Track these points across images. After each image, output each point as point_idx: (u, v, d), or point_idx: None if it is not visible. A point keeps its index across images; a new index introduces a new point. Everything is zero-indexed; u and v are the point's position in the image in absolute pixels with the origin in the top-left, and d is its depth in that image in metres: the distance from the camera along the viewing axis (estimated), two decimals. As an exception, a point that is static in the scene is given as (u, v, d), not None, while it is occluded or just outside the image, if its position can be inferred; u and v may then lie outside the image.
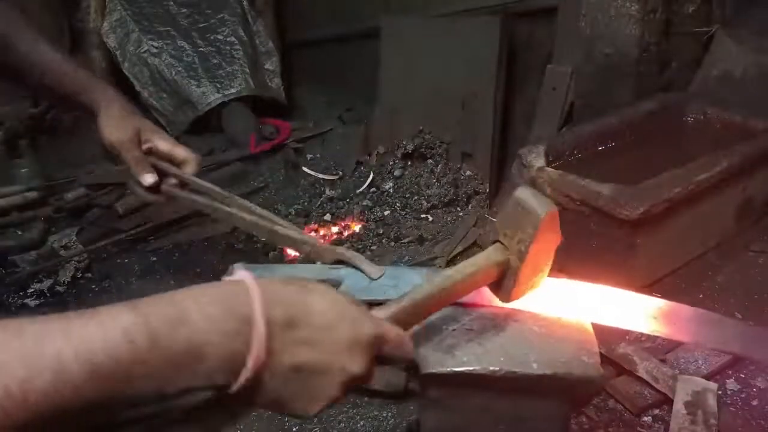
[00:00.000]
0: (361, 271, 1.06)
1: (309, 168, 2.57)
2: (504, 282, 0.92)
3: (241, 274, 0.57)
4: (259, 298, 0.53)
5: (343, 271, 1.08)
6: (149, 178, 1.15)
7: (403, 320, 0.77)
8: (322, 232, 2.15)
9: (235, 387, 0.53)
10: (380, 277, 1.05)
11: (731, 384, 1.36)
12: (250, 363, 0.52)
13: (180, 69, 2.83)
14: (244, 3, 3.04)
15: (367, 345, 0.61)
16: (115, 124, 1.17)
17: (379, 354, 0.65)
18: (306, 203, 2.31)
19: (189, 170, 1.20)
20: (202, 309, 0.51)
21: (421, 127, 2.39)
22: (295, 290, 0.59)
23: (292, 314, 0.56)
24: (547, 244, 0.92)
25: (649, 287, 1.68)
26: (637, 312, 0.99)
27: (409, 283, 1.04)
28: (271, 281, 0.58)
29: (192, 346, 0.50)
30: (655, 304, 0.99)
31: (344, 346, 0.58)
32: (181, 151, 1.19)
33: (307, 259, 1.10)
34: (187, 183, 1.20)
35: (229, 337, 0.51)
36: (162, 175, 1.19)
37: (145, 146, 1.18)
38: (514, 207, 0.91)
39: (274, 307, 0.54)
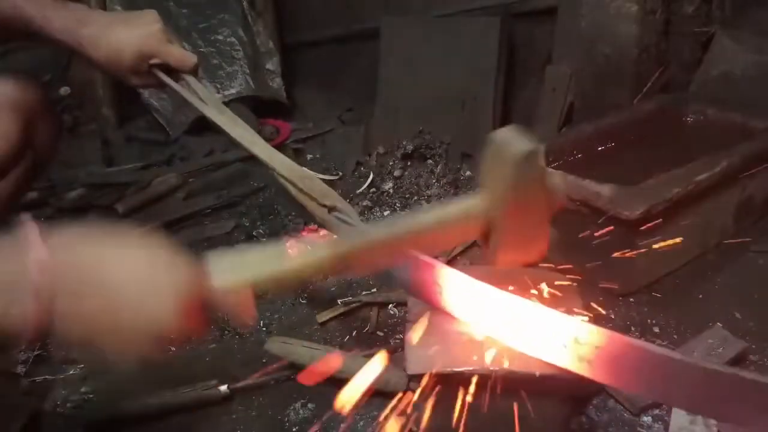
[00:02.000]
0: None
1: (309, 168, 2.57)
2: (490, 242, 0.82)
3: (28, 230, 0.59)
4: (34, 261, 0.57)
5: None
6: (193, 58, 1.32)
7: (347, 261, 0.74)
8: (321, 233, 2.15)
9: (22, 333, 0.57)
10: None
11: (731, 384, 1.36)
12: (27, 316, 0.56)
13: (180, 69, 2.83)
14: (244, 4, 3.04)
15: (172, 298, 0.61)
16: (130, 41, 1.23)
17: (206, 311, 0.65)
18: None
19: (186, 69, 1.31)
20: None
21: (421, 128, 2.39)
22: (91, 240, 0.61)
23: (81, 264, 0.59)
24: (534, 196, 0.78)
25: (649, 287, 1.68)
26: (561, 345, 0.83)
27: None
28: (67, 234, 0.61)
29: None
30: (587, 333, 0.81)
31: (144, 299, 0.60)
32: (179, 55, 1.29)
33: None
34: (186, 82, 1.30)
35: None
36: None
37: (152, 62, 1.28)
38: (492, 149, 0.78)
39: (58, 259, 0.57)
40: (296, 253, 0.72)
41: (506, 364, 0.93)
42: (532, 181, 0.77)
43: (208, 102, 1.26)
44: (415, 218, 0.77)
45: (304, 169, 1.14)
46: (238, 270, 0.69)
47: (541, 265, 0.97)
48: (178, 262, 0.64)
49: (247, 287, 0.69)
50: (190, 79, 1.31)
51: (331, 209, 1.05)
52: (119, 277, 0.60)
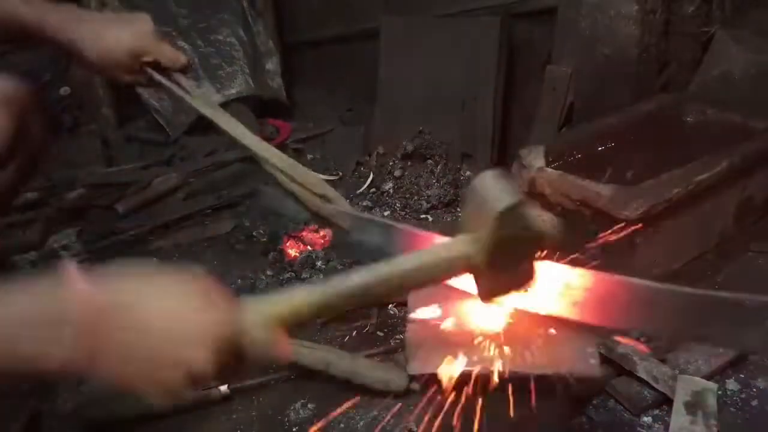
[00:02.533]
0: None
1: (309, 168, 2.57)
2: (476, 281, 0.82)
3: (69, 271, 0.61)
4: (76, 298, 0.59)
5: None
6: (183, 58, 1.30)
7: (320, 310, 0.74)
8: (321, 233, 2.15)
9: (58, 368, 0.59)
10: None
11: (731, 384, 1.36)
12: (65, 355, 0.58)
13: (180, 69, 2.83)
14: (244, 3, 3.04)
15: (211, 341, 0.62)
16: (105, 53, 1.20)
17: (242, 353, 0.65)
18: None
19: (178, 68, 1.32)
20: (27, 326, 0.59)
21: (421, 128, 2.39)
22: (131, 279, 0.63)
23: (121, 302, 0.60)
24: (519, 244, 0.77)
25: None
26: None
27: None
28: (107, 273, 0.63)
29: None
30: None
31: (180, 340, 0.60)
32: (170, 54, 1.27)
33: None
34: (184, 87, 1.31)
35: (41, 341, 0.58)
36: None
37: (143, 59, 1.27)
38: (473, 197, 0.77)
39: (99, 296, 0.59)
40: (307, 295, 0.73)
41: (506, 365, 0.93)
42: (515, 231, 0.74)
43: (197, 97, 1.32)
44: (399, 264, 0.77)
45: (294, 161, 1.17)
46: (269, 310, 0.70)
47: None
48: (215, 302, 0.65)
49: (279, 326, 0.69)
50: (180, 77, 1.35)
51: (324, 199, 1.06)
52: (157, 316, 0.61)
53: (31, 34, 1.17)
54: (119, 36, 1.21)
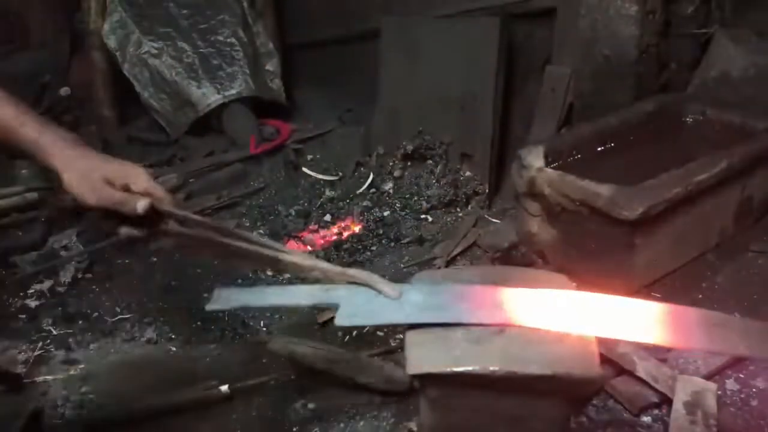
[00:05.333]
0: (378, 291, 1.04)
1: (309, 169, 2.57)
2: None
3: None
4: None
5: (341, 292, 1.05)
6: (142, 204, 0.99)
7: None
8: (322, 233, 2.15)
9: None
10: (398, 297, 1.03)
11: (731, 384, 1.36)
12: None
13: (180, 70, 2.83)
14: (245, 4, 3.04)
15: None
16: (87, 185, 1.01)
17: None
18: (306, 204, 2.32)
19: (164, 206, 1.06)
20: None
21: (420, 128, 2.39)
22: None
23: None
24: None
25: (649, 287, 1.68)
26: (639, 321, 0.97)
27: (441, 307, 1.01)
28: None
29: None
30: (656, 310, 0.98)
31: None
32: (157, 190, 1.04)
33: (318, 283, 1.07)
34: (180, 218, 1.08)
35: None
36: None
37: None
38: None
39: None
40: None
41: (506, 365, 0.93)
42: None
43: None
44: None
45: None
46: None
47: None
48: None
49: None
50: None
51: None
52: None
53: (25, 155, 1.06)
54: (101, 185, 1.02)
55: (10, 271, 1.94)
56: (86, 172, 1.00)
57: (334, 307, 1.04)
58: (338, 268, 1.08)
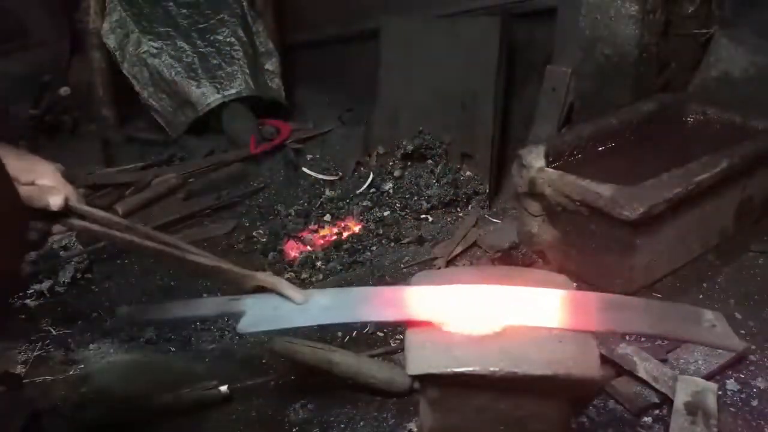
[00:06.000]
0: (285, 296, 1.03)
1: (309, 168, 2.57)
2: None
3: None
4: None
5: (248, 301, 1.04)
6: (56, 200, 0.95)
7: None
8: (321, 233, 2.15)
9: None
10: (305, 302, 1.02)
11: (731, 384, 1.36)
12: None
13: (180, 69, 2.83)
14: (244, 3, 3.04)
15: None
16: None
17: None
18: (306, 204, 2.31)
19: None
20: None
21: (420, 128, 2.39)
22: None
23: None
24: None
25: (649, 287, 1.68)
26: (543, 308, 1.00)
27: (346, 308, 1.03)
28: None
29: None
30: (559, 296, 1.02)
31: None
32: (65, 186, 1.00)
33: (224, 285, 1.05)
34: (84, 214, 1.04)
35: None
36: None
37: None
38: None
39: None
40: None
41: (506, 365, 0.93)
42: None
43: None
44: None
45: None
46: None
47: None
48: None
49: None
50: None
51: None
52: None
53: None
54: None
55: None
56: None
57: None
58: (245, 271, 1.05)
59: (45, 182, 0.97)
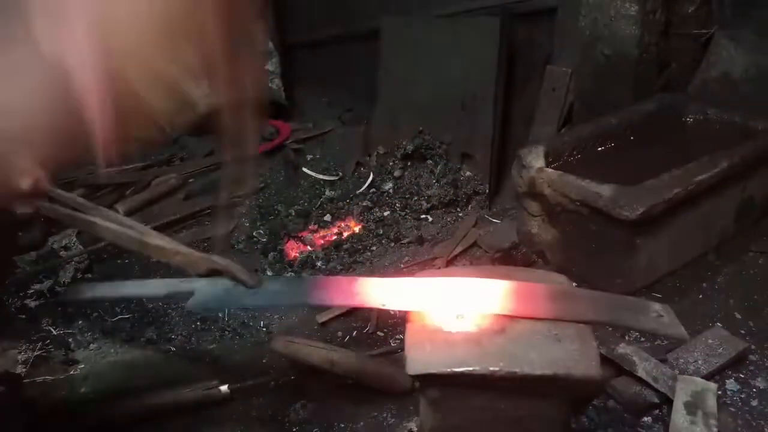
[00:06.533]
0: (237, 280, 1.03)
1: (309, 168, 2.57)
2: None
3: None
4: None
5: (199, 283, 1.05)
6: (26, 181, 0.96)
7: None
8: (321, 233, 2.15)
9: None
10: (257, 285, 1.03)
11: (731, 384, 1.36)
12: None
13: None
14: (244, 4, 3.04)
15: None
16: None
17: None
18: (306, 204, 2.32)
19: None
20: None
21: (421, 128, 2.39)
22: None
23: None
24: None
25: (649, 287, 1.68)
26: (489, 297, 1.02)
27: (297, 293, 1.04)
28: None
29: None
30: (504, 286, 1.04)
31: None
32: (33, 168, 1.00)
33: (180, 268, 1.06)
34: (53, 197, 1.07)
35: None
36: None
37: None
38: None
39: None
40: None
41: (506, 365, 0.93)
42: None
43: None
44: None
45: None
46: None
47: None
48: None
49: None
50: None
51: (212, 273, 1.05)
52: None
53: None
54: None
55: (10, 271, 1.94)
56: None
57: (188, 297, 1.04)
58: (201, 254, 1.06)
59: (19, 163, 0.97)
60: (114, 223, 1.05)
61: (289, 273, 1.91)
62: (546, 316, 1.01)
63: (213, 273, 1.04)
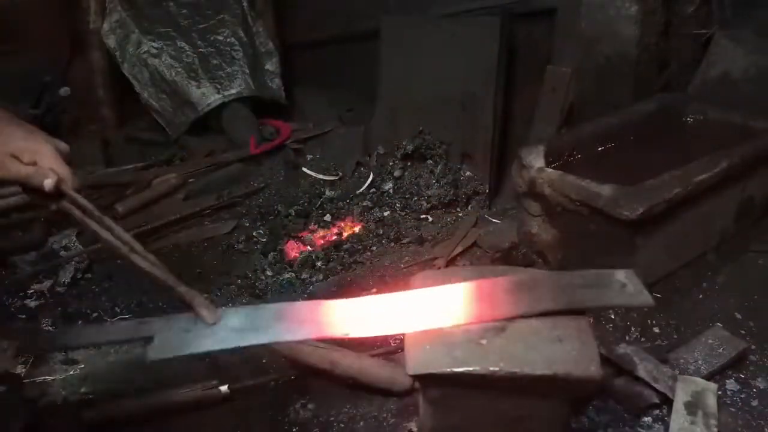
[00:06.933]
0: (197, 315, 1.01)
1: (309, 168, 2.57)
2: None
3: None
4: None
5: (157, 324, 1.03)
6: (49, 182, 0.99)
7: None
8: (321, 233, 2.15)
9: None
10: (215, 323, 1.01)
11: (731, 384, 1.36)
12: None
13: (180, 70, 2.83)
14: (244, 4, 3.04)
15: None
16: None
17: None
18: (306, 204, 2.31)
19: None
20: None
21: (421, 128, 2.39)
22: None
23: None
24: None
25: (649, 287, 1.67)
26: (449, 306, 1.02)
27: (258, 328, 1.00)
28: None
29: None
30: (464, 290, 1.04)
31: None
32: (62, 169, 1.04)
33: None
34: (74, 200, 1.06)
35: None
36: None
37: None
38: None
39: None
40: None
41: (506, 365, 0.93)
42: None
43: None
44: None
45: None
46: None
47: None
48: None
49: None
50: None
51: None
52: None
53: None
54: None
55: (10, 271, 1.94)
56: None
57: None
58: (171, 282, 1.03)
59: (44, 163, 1.01)
60: (111, 236, 1.06)
61: (289, 273, 1.91)
62: (507, 316, 1.00)
63: (180, 301, 1.03)
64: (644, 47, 2.13)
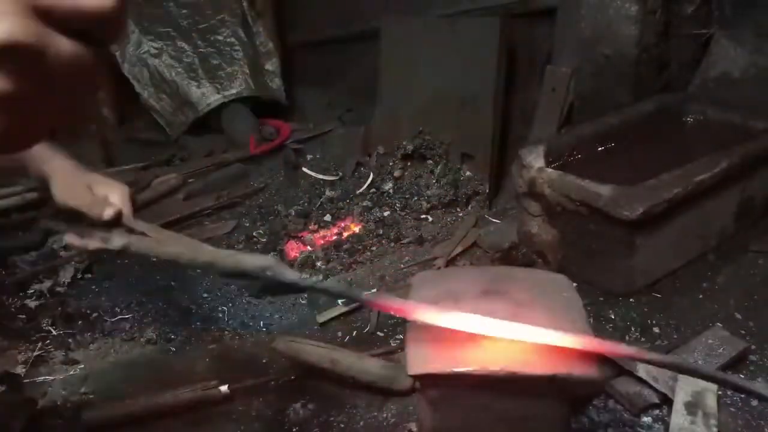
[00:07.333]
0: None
1: (309, 169, 2.57)
2: None
3: None
4: None
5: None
6: (109, 211, 1.13)
7: None
8: (321, 233, 2.15)
9: None
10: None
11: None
12: None
13: (180, 70, 2.83)
14: (244, 4, 3.04)
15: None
16: (67, 187, 1.17)
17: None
18: (306, 204, 2.32)
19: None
20: None
21: (420, 128, 2.39)
22: None
23: None
24: None
25: (649, 287, 1.68)
26: None
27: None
28: None
29: None
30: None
31: None
32: (126, 206, 1.18)
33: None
34: (132, 229, 1.18)
35: None
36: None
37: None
38: None
39: None
40: None
41: (506, 365, 0.93)
42: None
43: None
44: None
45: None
46: None
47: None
48: None
49: None
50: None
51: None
52: None
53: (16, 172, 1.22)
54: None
55: (10, 272, 1.94)
56: (72, 178, 1.16)
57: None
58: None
59: (113, 199, 1.17)
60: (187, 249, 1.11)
61: (289, 273, 1.91)
62: None
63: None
64: (644, 47, 2.13)
